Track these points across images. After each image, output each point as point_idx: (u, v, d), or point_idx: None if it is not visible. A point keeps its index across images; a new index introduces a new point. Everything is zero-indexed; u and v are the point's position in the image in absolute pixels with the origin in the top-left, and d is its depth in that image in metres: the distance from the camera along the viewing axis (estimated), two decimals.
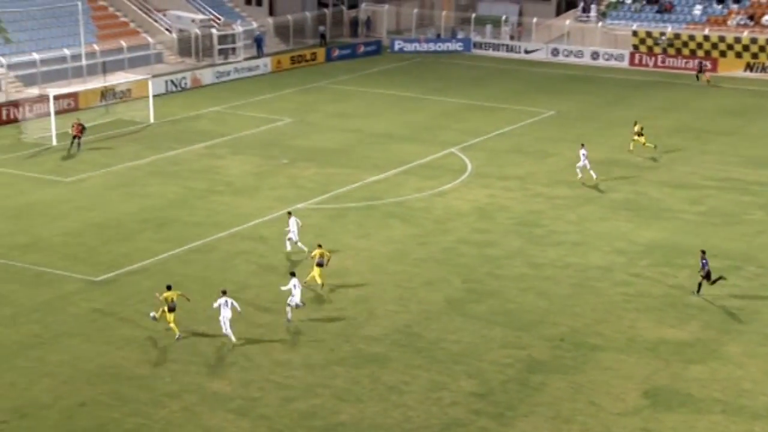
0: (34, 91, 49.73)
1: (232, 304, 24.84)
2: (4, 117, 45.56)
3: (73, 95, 48.02)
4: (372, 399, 22.64)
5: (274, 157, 41.41)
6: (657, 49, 62.53)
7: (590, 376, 23.83)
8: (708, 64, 58.54)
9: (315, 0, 70.77)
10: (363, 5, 72.38)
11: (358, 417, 21.93)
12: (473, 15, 69.98)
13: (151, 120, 46.43)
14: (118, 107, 48.71)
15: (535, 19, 66.63)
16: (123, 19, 60.47)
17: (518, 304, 27.71)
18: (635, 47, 63.21)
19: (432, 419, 21.92)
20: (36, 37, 54.43)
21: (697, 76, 57.55)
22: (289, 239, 30.39)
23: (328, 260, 28.27)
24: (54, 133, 42.43)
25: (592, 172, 38.23)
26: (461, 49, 66.37)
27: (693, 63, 59.93)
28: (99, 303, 27.13)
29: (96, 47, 54.35)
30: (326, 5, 72.86)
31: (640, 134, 41.87)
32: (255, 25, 63.19)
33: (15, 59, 51.37)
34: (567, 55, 63.83)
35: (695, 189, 37.88)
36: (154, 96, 47.94)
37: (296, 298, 25.78)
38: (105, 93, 49.20)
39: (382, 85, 56.45)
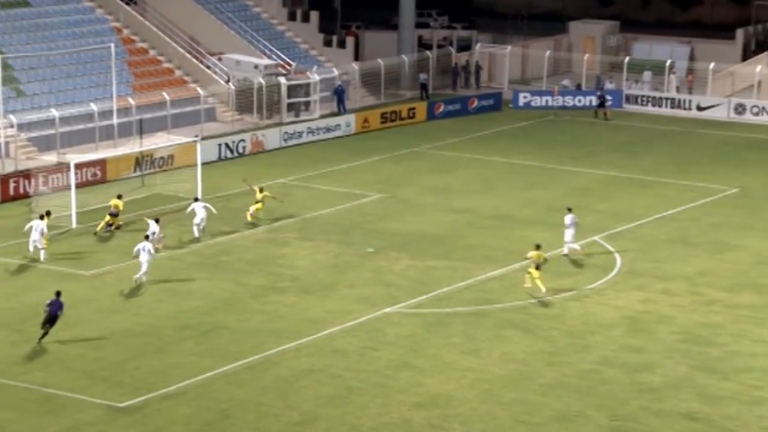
0: (50, 158, 51.61)
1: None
2: (11, 191, 47.24)
3: (100, 163, 49.69)
4: None
5: (356, 245, 41.88)
6: None
7: None
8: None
9: (415, 41, 71.99)
10: (477, 47, 73.45)
11: None
12: (626, 59, 70.13)
13: (199, 195, 47.58)
14: (157, 178, 50.15)
15: (712, 65, 66.33)
16: (167, 65, 62.83)
17: None
18: None
19: None
20: (55, 89, 56.83)
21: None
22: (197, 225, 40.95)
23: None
24: (74, 212, 43.82)
25: None
26: (609, 104, 66.43)
27: None
28: None
29: (131, 101, 56.42)
30: (429, 47, 74.21)
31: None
32: (336, 72, 64.74)
33: (28, 117, 53.53)
34: (757, 114, 63.13)
35: None
36: (204, 164, 49.15)
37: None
38: (141, 160, 50.79)
39: (501, 151, 56.74)
